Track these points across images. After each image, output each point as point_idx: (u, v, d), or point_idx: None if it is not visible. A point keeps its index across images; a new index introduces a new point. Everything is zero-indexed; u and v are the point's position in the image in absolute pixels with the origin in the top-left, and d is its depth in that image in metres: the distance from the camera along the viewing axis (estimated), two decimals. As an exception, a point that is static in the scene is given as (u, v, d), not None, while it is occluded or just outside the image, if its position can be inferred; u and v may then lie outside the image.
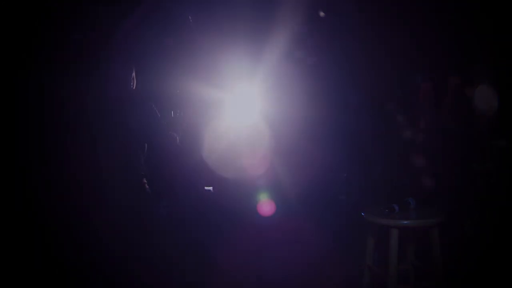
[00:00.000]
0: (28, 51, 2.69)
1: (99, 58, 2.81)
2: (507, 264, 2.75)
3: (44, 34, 2.71)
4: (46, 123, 2.74)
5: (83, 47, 2.78)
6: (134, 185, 2.69)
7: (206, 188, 3.09)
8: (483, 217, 2.82)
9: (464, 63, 2.93)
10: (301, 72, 3.08)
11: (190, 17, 3.04)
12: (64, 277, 2.68)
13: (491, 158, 2.90)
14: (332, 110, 3.11)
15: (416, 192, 2.93)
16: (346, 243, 3.01)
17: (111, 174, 2.65)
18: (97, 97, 2.73)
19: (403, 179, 3.00)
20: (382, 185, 3.02)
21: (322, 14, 3.13)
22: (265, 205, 3.06)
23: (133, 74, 2.69)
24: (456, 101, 3.04)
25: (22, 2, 2.67)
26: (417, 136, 3.03)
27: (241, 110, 3.11)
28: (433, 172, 2.99)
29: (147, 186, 2.73)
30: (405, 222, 2.75)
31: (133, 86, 2.68)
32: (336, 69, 3.12)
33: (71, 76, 2.81)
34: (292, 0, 3.04)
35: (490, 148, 2.92)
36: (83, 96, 2.77)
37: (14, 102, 2.69)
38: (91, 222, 2.63)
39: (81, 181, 2.67)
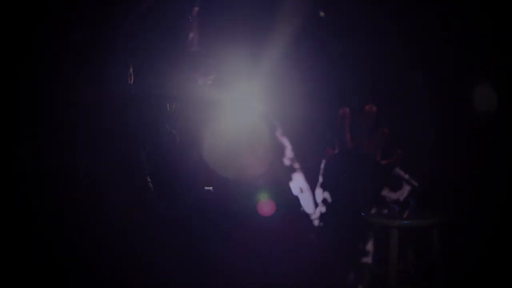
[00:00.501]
0: (28, 51, 2.69)
1: (99, 57, 2.81)
2: (507, 264, 2.76)
3: (44, 34, 2.70)
4: (46, 123, 2.73)
5: (83, 47, 2.77)
6: (137, 185, 2.70)
7: (206, 188, 3.08)
8: (483, 217, 2.84)
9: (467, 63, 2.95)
10: (301, 72, 3.08)
11: (190, 17, 3.03)
12: (64, 277, 2.68)
13: (491, 158, 2.92)
14: (333, 110, 3.11)
15: (416, 192, 2.93)
16: (346, 243, 3.01)
17: (113, 173, 2.65)
18: (98, 96, 2.73)
19: (403, 179, 3.01)
20: (382, 185, 3.03)
21: (322, 14, 3.13)
22: (265, 205, 3.06)
23: (131, 70, 2.70)
24: (456, 100, 3.05)
25: (22, 2, 2.67)
26: (416, 136, 3.04)
27: (241, 109, 3.10)
28: (434, 172, 3.00)
29: (151, 186, 2.73)
30: (405, 222, 2.76)
31: (131, 82, 2.69)
32: (337, 69, 3.12)
33: (71, 75, 2.80)
34: (293, 0, 3.04)
35: (490, 148, 2.93)
36: (83, 95, 2.77)
37: (14, 102, 2.69)
38: (93, 223, 2.63)
39: (84, 181, 2.67)
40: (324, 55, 3.15)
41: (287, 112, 3.08)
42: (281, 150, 3.13)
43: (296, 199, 3.15)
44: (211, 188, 3.05)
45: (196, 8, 2.78)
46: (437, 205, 2.92)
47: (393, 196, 2.92)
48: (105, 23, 2.84)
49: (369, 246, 2.92)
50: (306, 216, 3.09)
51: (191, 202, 2.95)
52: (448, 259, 2.79)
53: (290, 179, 3.17)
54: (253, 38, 3.04)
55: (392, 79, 3.06)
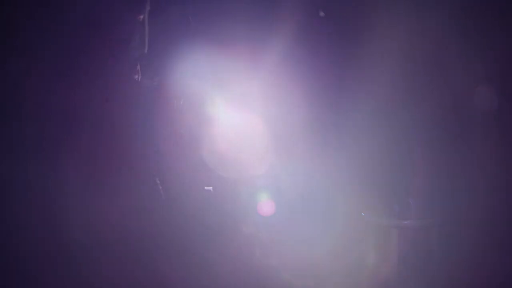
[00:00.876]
0: (31, 52, 2.70)
1: (103, 57, 2.82)
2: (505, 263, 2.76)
3: (48, 35, 2.71)
4: (53, 125, 2.75)
5: (87, 48, 2.78)
6: (145, 186, 2.72)
7: (206, 188, 3.10)
8: (482, 217, 2.83)
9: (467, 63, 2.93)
10: (302, 72, 3.08)
11: (190, 17, 3.04)
12: (69, 276, 2.71)
13: (489, 158, 2.91)
14: (333, 110, 3.11)
15: (416, 192, 2.93)
16: (346, 243, 3.02)
17: (122, 175, 2.67)
18: (105, 97, 2.75)
19: (404, 179, 3.00)
20: (383, 185, 3.02)
21: (322, 14, 3.12)
22: (265, 205, 3.07)
23: (138, 67, 2.71)
24: (455, 100, 3.03)
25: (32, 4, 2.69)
26: (417, 136, 3.03)
27: (242, 109, 3.11)
28: (433, 172, 2.99)
29: (160, 187, 2.76)
30: (405, 222, 2.76)
31: (138, 79, 2.70)
32: (338, 69, 3.12)
33: (75, 76, 2.82)
34: (293, 0, 3.03)
35: (489, 148, 2.92)
36: (88, 96, 2.79)
37: (20, 103, 2.72)
38: (95, 223, 2.66)
39: (90, 182, 2.69)
40: (326, 54, 3.14)
41: (286, 113, 3.08)
42: (280, 150, 3.13)
43: (297, 199, 3.15)
44: (211, 188, 3.07)
45: (141, 16, 2.80)
46: (437, 205, 2.92)
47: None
48: (107, 24, 2.84)
49: (369, 246, 2.92)
50: (306, 216, 3.10)
51: (190, 203, 2.97)
52: (447, 259, 2.80)
53: (291, 178, 3.18)
54: (254, 39, 3.04)
55: (395, 80, 3.04)
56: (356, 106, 3.03)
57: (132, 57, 2.80)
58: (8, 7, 2.67)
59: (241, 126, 3.09)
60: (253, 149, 3.08)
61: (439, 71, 2.99)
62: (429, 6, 2.90)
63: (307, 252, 2.95)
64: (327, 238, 2.97)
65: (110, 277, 2.67)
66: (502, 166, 2.87)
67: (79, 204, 2.77)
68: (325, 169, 3.04)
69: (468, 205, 2.84)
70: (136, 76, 2.80)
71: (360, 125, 3.05)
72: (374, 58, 2.95)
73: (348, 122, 3.04)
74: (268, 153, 3.09)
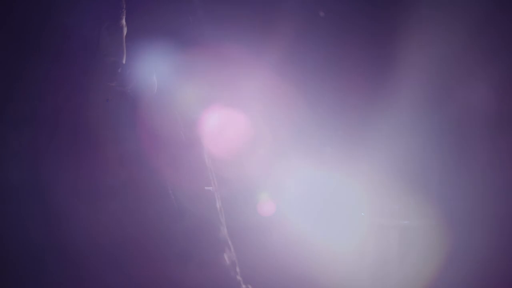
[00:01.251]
0: (31, 53, 2.70)
1: (106, 57, 2.82)
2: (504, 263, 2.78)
3: (47, 36, 2.71)
4: (62, 128, 2.75)
5: (88, 49, 2.78)
6: (158, 194, 2.72)
7: (206, 188, 3.08)
8: (482, 217, 2.84)
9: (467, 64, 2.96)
10: (301, 72, 3.10)
11: (190, 17, 3.05)
12: (80, 277, 2.69)
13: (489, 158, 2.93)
14: (332, 110, 3.12)
15: (416, 192, 2.94)
16: (346, 243, 3.02)
17: (131, 178, 2.68)
18: (112, 97, 2.75)
19: (404, 179, 3.01)
20: (383, 185, 3.03)
21: (322, 14, 3.14)
22: (266, 205, 3.07)
23: (154, 77, 2.74)
24: (456, 101, 3.05)
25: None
26: (417, 136, 3.04)
27: (242, 109, 3.12)
28: (434, 172, 3.00)
29: (173, 197, 2.76)
30: (405, 222, 2.77)
31: (155, 91, 2.73)
32: (337, 69, 3.14)
33: (77, 77, 2.81)
34: (293, 0, 3.06)
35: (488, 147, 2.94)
36: (94, 97, 2.79)
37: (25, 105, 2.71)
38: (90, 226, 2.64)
39: (95, 185, 2.69)
40: (325, 55, 3.15)
41: (287, 112, 3.10)
42: (281, 149, 3.13)
43: (297, 199, 3.15)
44: (211, 188, 3.06)
45: (107, 23, 2.80)
46: (437, 205, 2.93)
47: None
48: (106, 25, 2.84)
49: (369, 246, 2.92)
50: (306, 216, 3.09)
51: (191, 203, 2.96)
52: (447, 259, 2.80)
53: (291, 178, 3.17)
54: (255, 39, 3.06)
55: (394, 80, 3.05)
56: (358, 107, 3.05)
57: (105, 64, 2.80)
58: None
59: (241, 126, 3.10)
60: (253, 149, 3.09)
61: (453, 78, 3.01)
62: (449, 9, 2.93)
63: (307, 252, 2.95)
64: (327, 238, 2.97)
65: (107, 280, 2.64)
66: (505, 168, 2.89)
67: (74, 208, 2.75)
68: (326, 169, 3.05)
69: (468, 205, 2.85)
70: (113, 83, 2.80)
71: (362, 125, 3.06)
72: (381, 59, 2.98)
73: (350, 123, 3.06)
74: (268, 153, 3.10)
